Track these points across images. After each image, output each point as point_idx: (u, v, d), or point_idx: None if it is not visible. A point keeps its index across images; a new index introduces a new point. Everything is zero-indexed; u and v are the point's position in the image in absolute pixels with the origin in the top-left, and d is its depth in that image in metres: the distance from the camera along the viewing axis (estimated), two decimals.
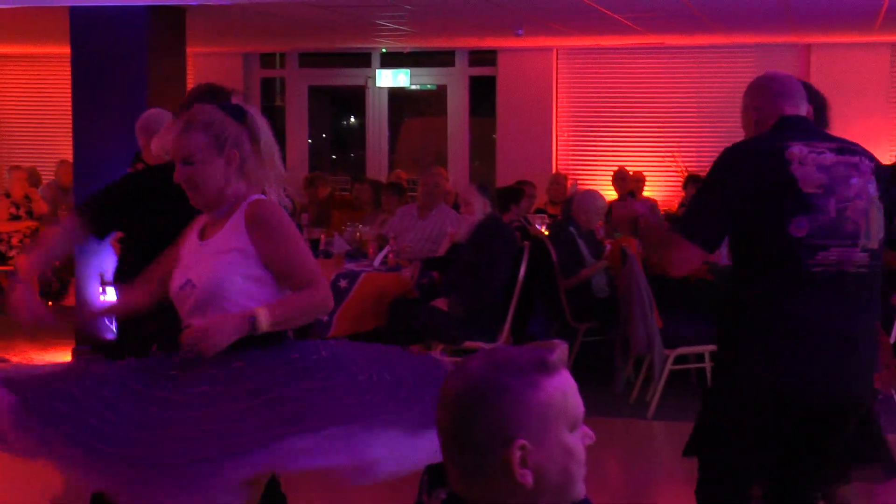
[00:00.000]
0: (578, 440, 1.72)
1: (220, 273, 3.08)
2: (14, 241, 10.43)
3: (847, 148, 3.47)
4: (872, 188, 3.42)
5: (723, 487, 3.50)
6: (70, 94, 8.59)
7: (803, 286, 3.34)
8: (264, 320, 2.97)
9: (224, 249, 3.11)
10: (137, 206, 3.96)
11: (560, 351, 1.71)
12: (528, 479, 1.66)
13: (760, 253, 3.39)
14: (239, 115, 3.16)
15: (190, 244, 3.25)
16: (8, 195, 10.68)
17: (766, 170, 3.37)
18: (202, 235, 3.23)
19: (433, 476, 1.74)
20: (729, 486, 3.50)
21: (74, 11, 8.52)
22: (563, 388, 1.71)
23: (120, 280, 4.22)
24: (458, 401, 1.69)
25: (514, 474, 1.65)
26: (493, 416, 1.66)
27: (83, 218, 3.93)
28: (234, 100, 3.37)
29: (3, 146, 13.83)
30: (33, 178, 11.49)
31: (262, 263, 3.09)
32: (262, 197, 3.16)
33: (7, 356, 8.50)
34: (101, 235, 4.06)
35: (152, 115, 5.62)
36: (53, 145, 13.05)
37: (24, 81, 13.76)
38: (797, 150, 3.38)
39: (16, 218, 10.50)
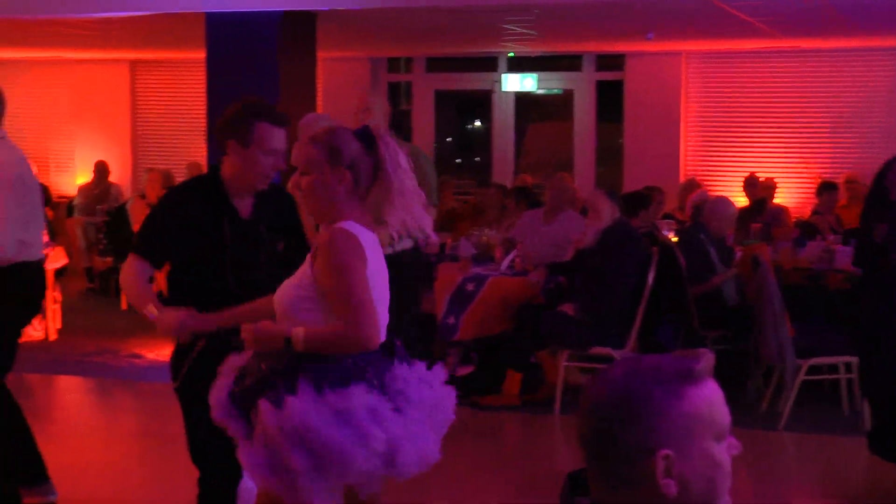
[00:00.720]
0: (724, 451, 1.68)
1: (290, 290, 3.32)
2: None
3: None
4: None
5: None
6: (205, 98, 8.79)
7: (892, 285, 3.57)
8: (298, 342, 3.17)
9: (303, 268, 3.32)
10: (182, 234, 3.84)
11: (706, 360, 1.68)
12: (672, 489, 1.63)
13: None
14: (368, 142, 3.29)
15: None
16: (143, 196, 10.99)
17: (872, 184, 3.75)
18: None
19: (574, 484, 1.72)
20: None
21: (210, 17, 8.72)
22: (709, 398, 1.68)
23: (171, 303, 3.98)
24: (600, 410, 1.67)
25: (658, 484, 1.63)
26: (636, 426, 1.63)
27: (144, 258, 3.84)
28: (375, 127, 3.38)
29: (140, 148, 14.26)
30: (167, 180, 11.79)
31: (317, 288, 3.25)
32: (347, 225, 3.24)
33: (141, 352, 8.75)
34: (159, 267, 3.98)
35: (311, 119, 5.64)
36: (187, 148, 13.39)
37: (160, 86, 14.17)
38: None
39: None
